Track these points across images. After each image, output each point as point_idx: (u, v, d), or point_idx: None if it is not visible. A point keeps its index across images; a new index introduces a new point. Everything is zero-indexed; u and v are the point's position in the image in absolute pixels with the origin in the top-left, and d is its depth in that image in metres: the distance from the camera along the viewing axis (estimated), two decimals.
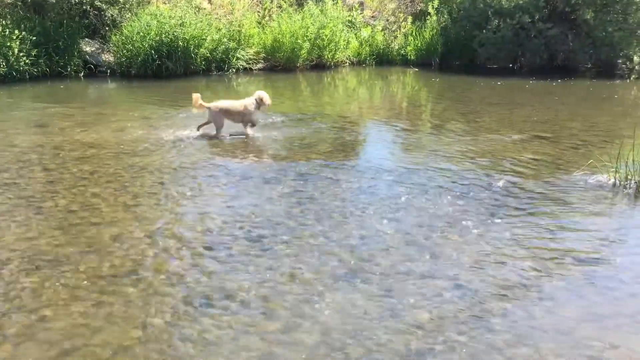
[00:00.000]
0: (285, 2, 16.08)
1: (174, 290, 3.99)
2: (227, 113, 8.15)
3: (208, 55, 14.32)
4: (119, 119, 9.38)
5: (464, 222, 5.15)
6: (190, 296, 3.91)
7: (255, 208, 5.46)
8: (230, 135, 8.14)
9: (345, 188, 6.09)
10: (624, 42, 15.56)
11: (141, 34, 13.47)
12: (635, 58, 16.35)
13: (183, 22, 13.77)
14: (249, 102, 8.16)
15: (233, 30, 14.82)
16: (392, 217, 5.28)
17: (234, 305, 3.80)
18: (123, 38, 13.64)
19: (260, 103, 8.16)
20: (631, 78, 15.36)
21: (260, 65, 15.44)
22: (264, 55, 15.46)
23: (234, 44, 14.77)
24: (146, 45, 13.43)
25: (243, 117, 8.19)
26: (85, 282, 4.06)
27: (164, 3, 15.06)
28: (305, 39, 15.31)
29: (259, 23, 15.75)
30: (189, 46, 13.81)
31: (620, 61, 16.16)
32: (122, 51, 13.69)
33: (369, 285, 4.07)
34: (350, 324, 3.61)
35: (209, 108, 8.07)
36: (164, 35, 13.48)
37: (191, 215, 5.30)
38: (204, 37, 14.05)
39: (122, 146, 7.55)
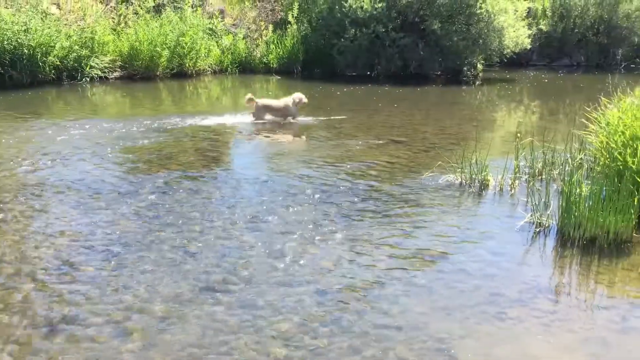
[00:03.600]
0: (141, 8, 15.54)
1: (17, 319, 3.67)
2: (269, 109, 9.91)
3: (58, 63, 13.45)
4: None
5: (323, 227, 5.26)
6: (37, 324, 3.62)
7: (109, 224, 5.19)
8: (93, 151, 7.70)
9: (206, 199, 5.98)
10: (468, 50, 16.81)
11: None
12: (479, 65, 17.74)
13: (28, 28, 12.82)
14: (288, 101, 9.92)
15: (85, 37, 14.04)
16: (253, 227, 5.26)
17: (89, 330, 3.57)
18: None
19: (298, 102, 9.87)
20: (476, 84, 16.62)
21: (117, 74, 14.77)
22: (120, 63, 14.81)
23: (87, 51, 14.01)
24: None
25: (284, 113, 9.98)
26: None
27: (6, 7, 13.92)
28: (164, 46, 14.89)
29: (114, 30, 15.07)
30: (35, 54, 12.88)
31: (465, 68, 17.42)
32: None
33: (230, 297, 4.01)
34: (210, 338, 3.53)
35: (255, 103, 9.81)
36: (5, 43, 12.45)
37: (38, 236, 4.92)
38: (53, 44, 13.19)
39: None
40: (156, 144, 8.22)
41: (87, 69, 13.97)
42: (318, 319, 3.78)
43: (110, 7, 15.76)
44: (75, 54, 13.73)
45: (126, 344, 3.45)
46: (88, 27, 14.25)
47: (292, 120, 10.09)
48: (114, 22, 15.38)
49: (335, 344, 3.51)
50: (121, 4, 15.67)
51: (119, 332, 3.57)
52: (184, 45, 15.30)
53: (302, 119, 10.20)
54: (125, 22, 15.46)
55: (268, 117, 10.03)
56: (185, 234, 5.05)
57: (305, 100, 9.95)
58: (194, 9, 16.35)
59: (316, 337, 3.58)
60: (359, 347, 3.49)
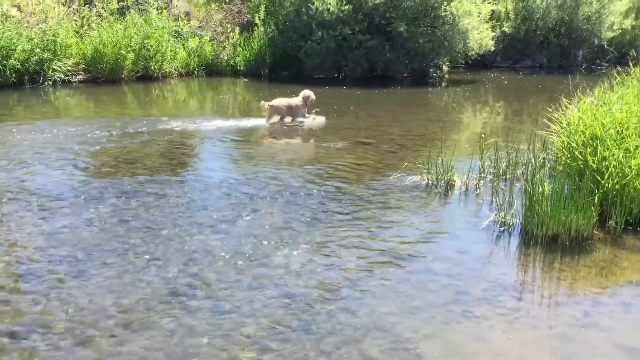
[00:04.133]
0: (105, 10, 15.31)
1: None
2: (278, 109, 10.00)
3: (19, 66, 13.17)
4: None
5: (291, 230, 5.26)
6: None
7: (71, 230, 5.10)
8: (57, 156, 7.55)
9: (173, 203, 5.91)
10: (434, 52, 17.02)
11: None
12: (444, 67, 17.97)
13: None
14: (298, 100, 10.05)
15: (47, 40, 13.77)
16: (220, 230, 5.23)
17: (48, 340, 3.49)
18: None
19: (306, 100, 9.99)
20: (442, 86, 16.83)
21: (80, 77, 14.52)
22: (84, 66, 14.56)
23: (49, 54, 13.74)
24: None
25: (294, 113, 10.09)
26: None
27: None
28: (129, 49, 14.70)
29: (77, 32, 14.81)
30: None
31: (431, 70, 17.63)
32: None
33: (197, 302, 3.98)
34: (175, 343, 3.49)
35: (270, 105, 9.88)
36: None
37: None
38: (14, 47, 12.90)
39: None
40: (121, 148, 8.10)
41: (50, 72, 13.71)
42: (286, 321, 3.77)
43: (73, 9, 15.49)
44: (37, 57, 13.47)
45: (88, 354, 3.39)
46: (50, 30, 13.98)
47: (302, 120, 10.12)
48: (76, 24, 15.12)
49: (303, 347, 3.51)
50: (84, 6, 15.41)
51: (80, 341, 3.50)
52: (149, 47, 15.14)
53: (267, 121, 10.18)
54: (89, 25, 15.22)
55: (276, 118, 10.10)
56: (150, 239, 4.99)
57: (313, 97, 10.09)
58: (159, 11, 16.18)
59: (284, 340, 3.57)
60: (327, 349, 3.50)
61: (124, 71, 14.87)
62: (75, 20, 15.22)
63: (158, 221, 5.40)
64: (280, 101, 10.14)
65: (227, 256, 4.69)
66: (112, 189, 6.24)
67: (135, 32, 14.89)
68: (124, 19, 15.31)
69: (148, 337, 3.55)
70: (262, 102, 10.02)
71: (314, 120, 10.21)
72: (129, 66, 14.91)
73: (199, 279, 4.31)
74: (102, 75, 14.68)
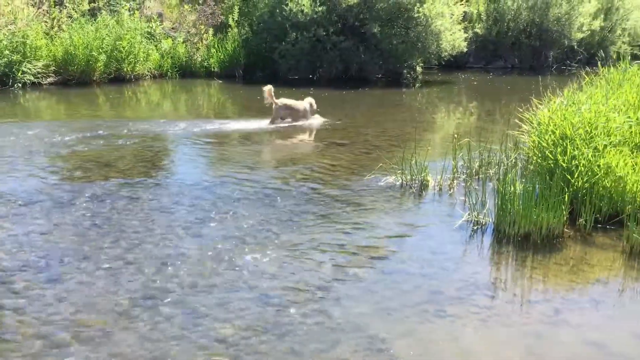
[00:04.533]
0: (76, 12, 15.10)
1: None
2: (290, 109, 10.17)
3: None
4: None
5: (266, 232, 5.24)
6: None
7: (42, 235, 5.01)
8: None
9: (146, 206, 5.86)
10: (407, 53, 17.13)
11: None
12: (418, 68, 18.11)
13: None
14: (307, 105, 10.35)
15: (16, 42, 13.51)
16: (194, 233, 5.19)
17: (20, 345, 3.43)
18: None
19: (311, 106, 10.38)
20: (416, 86, 16.96)
21: (51, 79, 14.26)
22: (54, 68, 14.33)
23: (19, 56, 13.48)
24: None
25: (303, 115, 10.31)
26: None
27: None
28: (100, 50, 14.51)
29: (47, 34, 14.58)
30: None
31: (405, 71, 17.75)
32: None
33: (171, 306, 3.94)
34: (150, 347, 3.46)
35: (275, 103, 9.96)
36: None
37: None
38: None
39: None
40: (93, 151, 8.00)
41: (19, 74, 13.45)
42: (260, 324, 3.76)
43: (43, 10, 15.23)
44: (5, 59, 13.21)
45: (61, 359, 3.34)
46: (19, 31, 13.71)
47: (305, 123, 10.31)
48: (47, 26, 14.86)
49: (278, 348, 3.50)
50: (54, 7, 15.17)
51: (52, 346, 3.44)
52: (122, 49, 14.96)
53: (243, 123, 10.15)
54: (59, 26, 14.97)
55: (287, 118, 10.27)
56: (123, 243, 4.93)
57: (315, 106, 10.46)
58: (131, 12, 16.00)
59: (259, 341, 3.56)
60: (301, 350, 3.50)
61: (95, 73, 14.66)
62: (46, 22, 14.97)
63: (131, 224, 5.34)
64: (293, 102, 10.39)
65: (200, 259, 4.66)
66: (83, 193, 6.15)
67: (107, 34, 14.70)
68: (95, 20, 15.10)
69: (120, 343, 3.51)
70: (282, 99, 10.22)
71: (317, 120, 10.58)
72: (101, 68, 14.71)
73: (172, 282, 4.27)
74: (73, 78, 14.46)
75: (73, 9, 15.15)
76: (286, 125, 10.12)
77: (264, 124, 10.11)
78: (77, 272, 4.39)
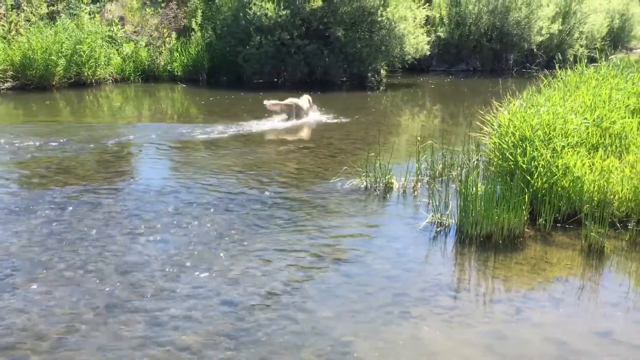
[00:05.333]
0: (34, 15, 14.76)
1: None
2: (298, 108, 10.73)
3: None
4: None
5: (230, 237, 5.20)
6: None
7: None
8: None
9: (108, 213, 5.75)
10: (371, 57, 17.22)
11: None
12: (382, 71, 18.23)
13: None
14: (305, 101, 11.00)
15: None
16: (158, 239, 5.12)
17: None
18: None
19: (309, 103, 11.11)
20: (380, 90, 17.06)
21: (8, 84, 13.90)
22: (12, 73, 13.97)
23: None
24: None
25: (306, 112, 11.00)
26: None
27: None
28: (60, 55, 14.20)
29: (4, 38, 14.22)
30: None
31: (369, 74, 17.84)
32: None
33: (133, 314, 3.88)
34: (111, 357, 3.39)
35: (287, 105, 10.63)
36: None
37: None
38: None
39: None
40: (52, 157, 7.82)
41: None
42: (225, 330, 3.73)
43: (0, 14, 14.85)
44: None
45: None
46: None
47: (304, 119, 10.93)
48: (4, 29, 14.50)
49: (243, 355, 3.47)
50: (11, 10, 14.81)
51: (10, 358, 3.35)
52: (82, 53, 14.67)
53: (207, 128, 10.07)
54: (17, 30, 14.62)
55: (284, 115, 10.82)
56: (84, 251, 4.83)
57: (306, 105, 11.12)
58: (92, 16, 15.72)
59: (223, 349, 3.53)
60: (267, 356, 3.48)
61: (55, 77, 14.34)
62: (2, 25, 14.60)
63: (92, 232, 5.24)
64: (299, 100, 10.98)
65: (164, 265, 4.60)
66: (43, 200, 6.01)
67: (66, 37, 14.39)
68: (54, 24, 14.79)
69: (82, 352, 3.44)
70: (290, 99, 10.87)
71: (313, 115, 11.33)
72: (61, 72, 14.40)
73: (135, 289, 4.20)
74: (31, 82, 14.11)
75: (31, 13, 14.82)
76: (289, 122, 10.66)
77: (230, 128, 10.03)
78: (34, 282, 4.28)
